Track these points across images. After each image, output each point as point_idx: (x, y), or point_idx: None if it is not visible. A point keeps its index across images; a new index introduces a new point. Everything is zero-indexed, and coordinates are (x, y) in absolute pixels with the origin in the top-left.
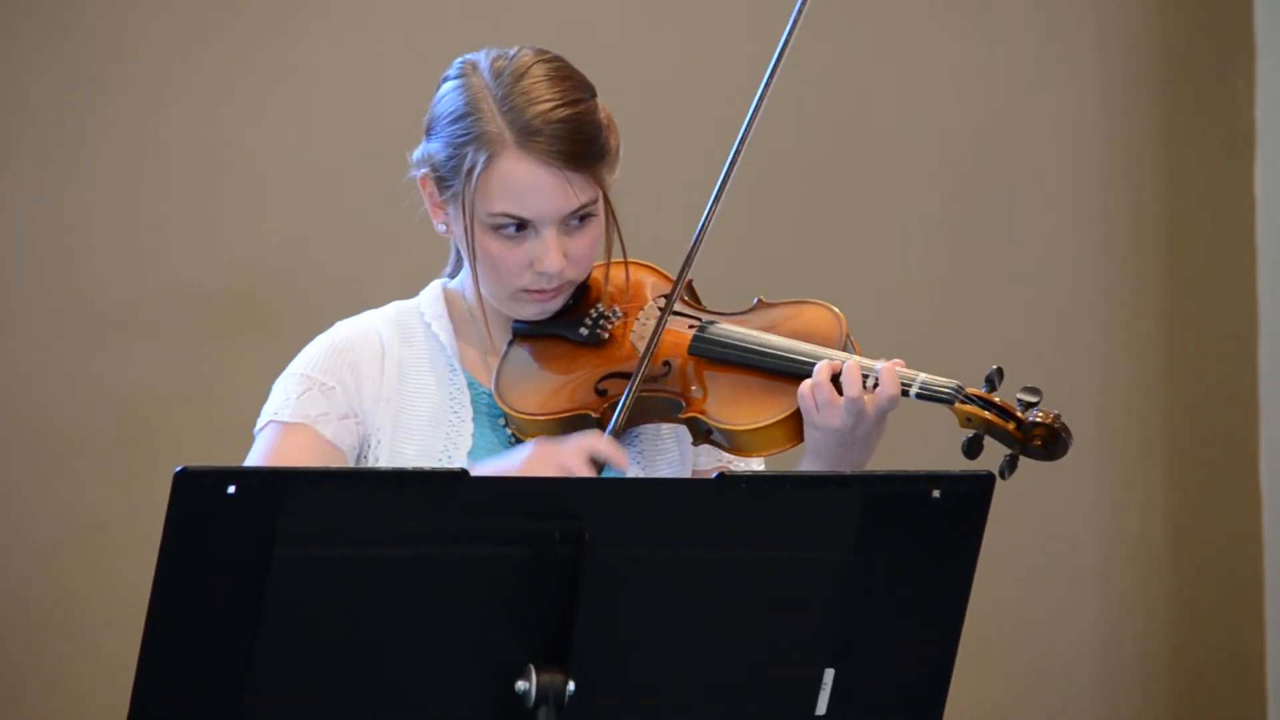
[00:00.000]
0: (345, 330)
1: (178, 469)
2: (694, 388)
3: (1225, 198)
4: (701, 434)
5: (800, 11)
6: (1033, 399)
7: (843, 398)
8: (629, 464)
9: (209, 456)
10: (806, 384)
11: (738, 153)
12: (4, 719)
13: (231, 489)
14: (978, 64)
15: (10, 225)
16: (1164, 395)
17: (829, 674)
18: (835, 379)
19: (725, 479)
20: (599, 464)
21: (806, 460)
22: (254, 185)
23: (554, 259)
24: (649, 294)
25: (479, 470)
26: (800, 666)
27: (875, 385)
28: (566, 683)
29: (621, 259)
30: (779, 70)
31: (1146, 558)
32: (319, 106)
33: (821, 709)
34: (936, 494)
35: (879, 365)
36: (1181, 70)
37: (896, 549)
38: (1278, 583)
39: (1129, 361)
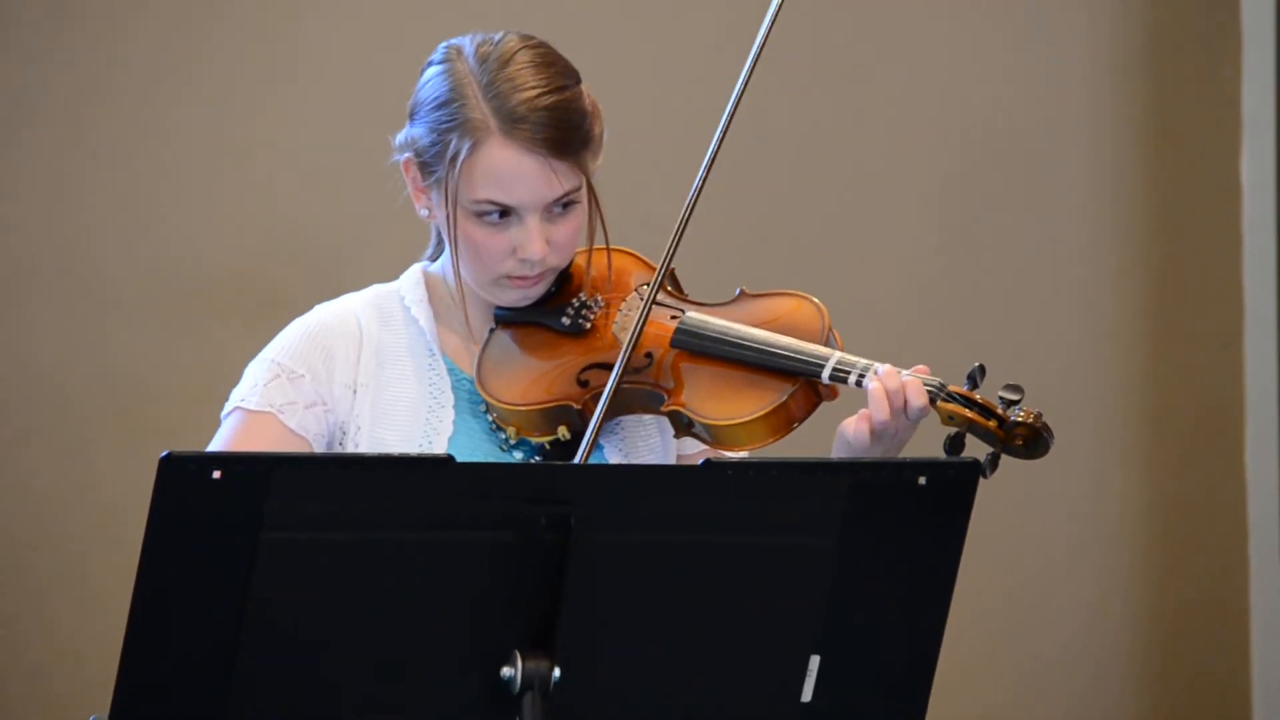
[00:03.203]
0: (322, 314)
1: (163, 454)
2: (675, 380)
3: (1211, 188)
4: (683, 427)
5: (779, 6)
6: (1015, 397)
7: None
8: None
9: (210, 432)
10: (885, 402)
11: (719, 143)
12: (5, 681)
13: (217, 474)
14: (964, 57)
15: (23, 205)
16: (1149, 394)
17: (814, 660)
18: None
19: (712, 465)
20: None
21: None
22: (256, 168)
23: (537, 246)
24: (632, 283)
25: None
26: (786, 653)
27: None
28: (552, 669)
29: (604, 246)
30: (759, 62)
31: (1130, 557)
32: (320, 88)
33: (807, 695)
34: (922, 481)
35: (905, 374)
36: (1169, 61)
37: (882, 536)
38: (1262, 584)
39: (1113, 360)
